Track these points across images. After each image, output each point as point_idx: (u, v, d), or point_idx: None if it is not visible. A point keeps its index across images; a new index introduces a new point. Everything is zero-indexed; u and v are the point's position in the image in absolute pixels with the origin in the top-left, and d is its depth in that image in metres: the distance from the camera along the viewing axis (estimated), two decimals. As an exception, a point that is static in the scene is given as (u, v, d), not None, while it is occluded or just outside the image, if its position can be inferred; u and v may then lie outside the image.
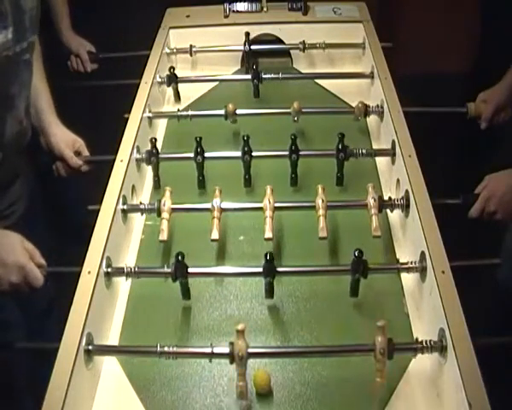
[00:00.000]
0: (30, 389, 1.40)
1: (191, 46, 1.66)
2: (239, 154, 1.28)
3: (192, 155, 1.27)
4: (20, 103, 1.25)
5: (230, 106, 1.40)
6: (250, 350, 0.89)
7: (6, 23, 1.12)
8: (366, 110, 1.40)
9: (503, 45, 1.58)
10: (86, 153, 1.42)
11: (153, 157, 1.29)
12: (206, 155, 1.28)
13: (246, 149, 1.26)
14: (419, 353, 0.92)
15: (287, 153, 1.27)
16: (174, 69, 1.55)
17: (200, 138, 1.28)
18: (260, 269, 1.04)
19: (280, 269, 1.03)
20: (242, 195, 1.28)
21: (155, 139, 1.30)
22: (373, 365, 0.93)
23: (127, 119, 1.35)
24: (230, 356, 0.89)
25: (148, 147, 1.39)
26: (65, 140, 1.40)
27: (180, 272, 1.02)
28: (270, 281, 1.03)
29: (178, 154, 1.32)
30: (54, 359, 0.86)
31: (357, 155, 1.28)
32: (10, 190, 1.35)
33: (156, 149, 1.29)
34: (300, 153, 1.27)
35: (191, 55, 1.67)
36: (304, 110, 1.40)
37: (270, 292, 1.05)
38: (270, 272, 1.02)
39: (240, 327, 0.88)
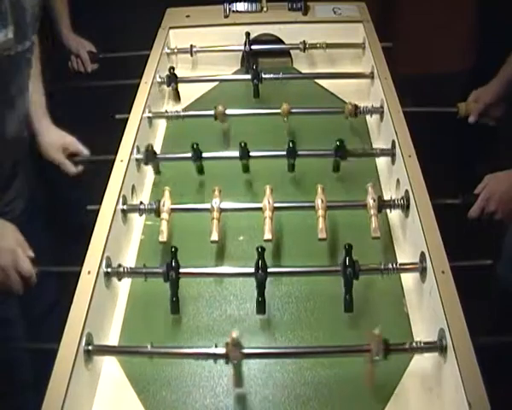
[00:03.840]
0: (30, 389, 1.40)
1: (191, 46, 1.66)
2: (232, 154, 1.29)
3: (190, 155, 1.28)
4: (21, 103, 1.24)
5: (220, 107, 1.39)
6: (247, 351, 0.90)
7: (5, 22, 1.10)
8: (356, 110, 1.39)
9: (503, 44, 1.57)
10: (82, 150, 1.39)
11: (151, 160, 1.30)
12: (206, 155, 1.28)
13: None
14: (414, 353, 0.93)
15: (283, 153, 1.28)
16: (174, 69, 1.55)
17: (152, 146, 1.29)
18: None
19: (272, 270, 1.02)
20: (241, 195, 1.29)
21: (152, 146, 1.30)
22: (374, 365, 0.94)
23: (122, 119, 1.35)
24: (226, 357, 0.89)
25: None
26: (54, 144, 1.37)
27: (173, 271, 1.02)
28: (262, 288, 1.01)
29: (177, 154, 1.33)
30: (54, 359, 0.86)
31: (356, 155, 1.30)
32: (10, 189, 1.35)
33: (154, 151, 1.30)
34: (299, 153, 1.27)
35: (191, 55, 1.67)
36: (293, 110, 1.40)
37: (262, 305, 1.01)
38: (262, 270, 1.01)
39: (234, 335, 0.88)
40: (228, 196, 1.18)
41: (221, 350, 0.90)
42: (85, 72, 1.89)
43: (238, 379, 0.91)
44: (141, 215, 1.20)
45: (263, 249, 1.02)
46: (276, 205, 1.15)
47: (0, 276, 1.10)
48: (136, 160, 1.28)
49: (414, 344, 0.92)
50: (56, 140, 1.38)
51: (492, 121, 1.56)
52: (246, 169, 1.29)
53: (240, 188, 1.31)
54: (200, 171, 1.30)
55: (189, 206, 1.20)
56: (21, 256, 1.10)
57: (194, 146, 1.27)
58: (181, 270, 1.04)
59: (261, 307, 1.02)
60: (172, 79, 1.54)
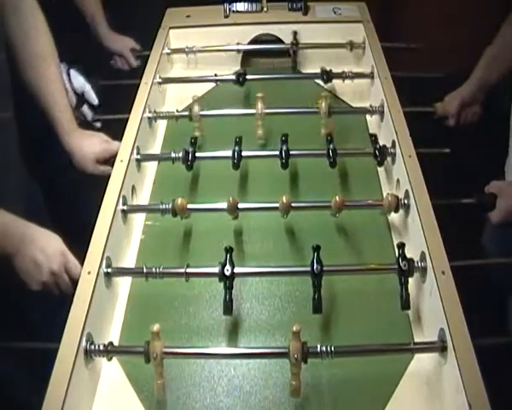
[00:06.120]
0: (30, 389, 1.40)
1: (191, 46, 1.66)
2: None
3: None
4: None
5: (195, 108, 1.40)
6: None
7: None
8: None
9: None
10: (115, 151, 1.27)
11: None
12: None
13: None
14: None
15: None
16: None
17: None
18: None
19: (326, 268, 1.00)
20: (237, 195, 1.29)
21: None
22: (374, 365, 0.94)
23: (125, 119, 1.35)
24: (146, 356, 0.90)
25: (147, 148, 1.39)
26: (87, 157, 1.31)
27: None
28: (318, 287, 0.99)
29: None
30: (54, 359, 0.86)
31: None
32: None
33: None
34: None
35: (191, 55, 1.67)
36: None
37: (319, 304, 0.99)
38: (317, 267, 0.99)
39: (155, 329, 0.90)
40: (223, 196, 1.17)
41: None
42: (130, 68, 1.88)
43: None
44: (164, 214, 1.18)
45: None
46: (293, 205, 1.14)
47: (51, 280, 1.10)
48: (136, 160, 1.28)
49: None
50: (88, 152, 1.32)
51: (470, 123, 1.57)
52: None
53: (236, 189, 1.31)
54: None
55: (201, 206, 1.20)
56: (71, 258, 1.10)
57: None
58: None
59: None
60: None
